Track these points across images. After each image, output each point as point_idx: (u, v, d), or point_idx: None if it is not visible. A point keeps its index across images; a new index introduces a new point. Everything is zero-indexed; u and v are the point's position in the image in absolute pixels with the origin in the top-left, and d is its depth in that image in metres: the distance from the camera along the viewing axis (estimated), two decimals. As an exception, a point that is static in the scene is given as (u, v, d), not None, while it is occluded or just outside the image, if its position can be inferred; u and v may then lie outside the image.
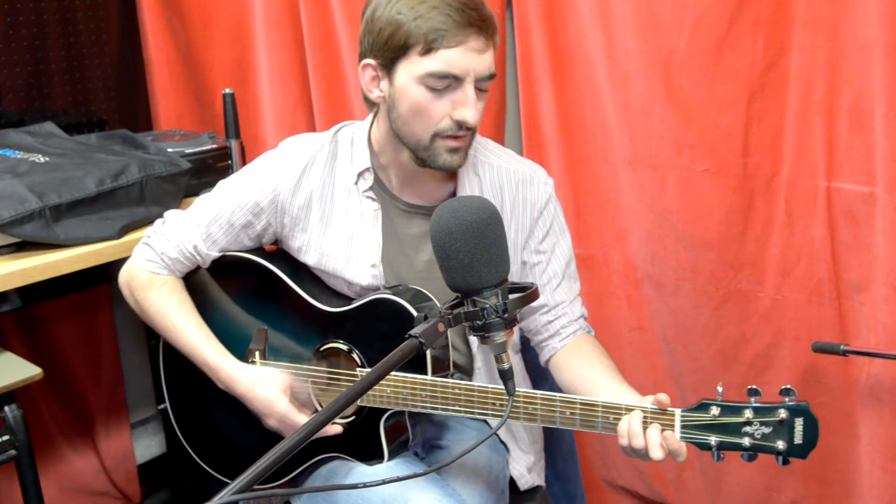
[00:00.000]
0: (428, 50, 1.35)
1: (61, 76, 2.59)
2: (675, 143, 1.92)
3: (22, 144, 2.08)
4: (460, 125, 1.40)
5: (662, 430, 1.29)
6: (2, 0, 2.42)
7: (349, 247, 1.55)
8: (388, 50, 1.39)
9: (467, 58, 1.36)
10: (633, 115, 1.96)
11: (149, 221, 1.64)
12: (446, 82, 1.37)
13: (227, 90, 2.19)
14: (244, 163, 2.24)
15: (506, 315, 1.08)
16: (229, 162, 2.25)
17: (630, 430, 1.30)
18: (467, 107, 1.38)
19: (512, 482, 1.68)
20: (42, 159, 1.97)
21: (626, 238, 2.09)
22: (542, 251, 1.60)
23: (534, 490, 1.71)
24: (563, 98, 2.09)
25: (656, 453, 1.28)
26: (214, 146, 2.25)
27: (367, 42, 1.42)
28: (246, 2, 2.53)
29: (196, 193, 1.89)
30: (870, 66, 1.63)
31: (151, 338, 2.59)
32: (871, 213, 1.70)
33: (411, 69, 1.38)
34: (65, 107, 2.62)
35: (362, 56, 1.45)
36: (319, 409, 1.51)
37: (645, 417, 1.31)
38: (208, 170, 2.20)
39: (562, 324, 1.60)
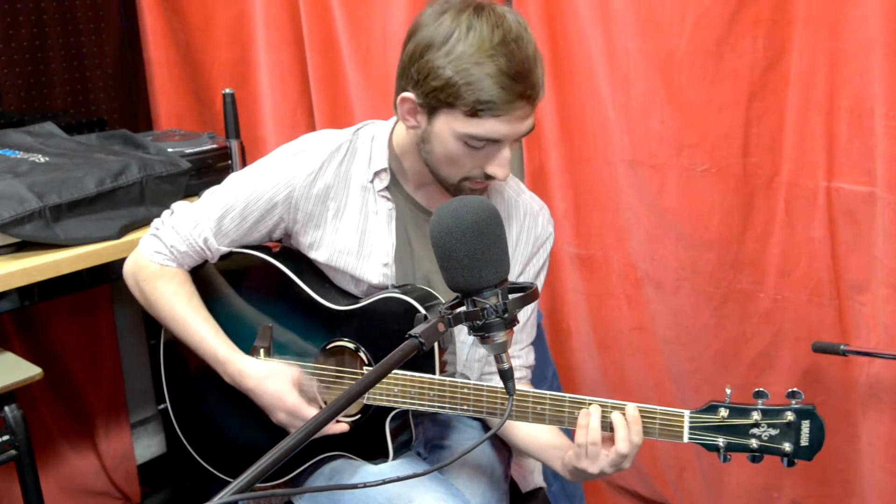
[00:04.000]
0: (473, 114, 1.34)
1: (61, 76, 2.59)
2: (675, 143, 1.92)
3: (22, 144, 2.08)
4: (489, 177, 1.42)
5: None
6: (2, 0, 2.43)
7: (362, 244, 1.54)
8: (433, 98, 1.36)
9: (511, 126, 1.36)
10: (633, 115, 1.96)
11: (149, 221, 1.63)
12: (485, 143, 1.37)
13: (227, 90, 2.19)
14: (244, 163, 2.24)
15: (506, 315, 1.08)
16: (229, 162, 2.25)
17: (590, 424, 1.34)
18: (501, 165, 1.40)
19: (513, 484, 1.68)
20: (42, 159, 1.97)
21: (626, 238, 2.09)
22: None
23: (535, 491, 1.71)
24: (563, 98, 2.09)
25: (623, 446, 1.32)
26: (214, 146, 2.25)
27: (410, 75, 1.38)
28: (246, 2, 2.53)
29: (196, 193, 1.88)
30: (870, 66, 1.63)
31: (151, 338, 2.59)
32: (871, 213, 1.70)
33: (452, 123, 1.36)
34: (65, 107, 2.62)
35: (402, 87, 1.41)
36: (324, 407, 1.51)
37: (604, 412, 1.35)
38: (208, 170, 2.20)
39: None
